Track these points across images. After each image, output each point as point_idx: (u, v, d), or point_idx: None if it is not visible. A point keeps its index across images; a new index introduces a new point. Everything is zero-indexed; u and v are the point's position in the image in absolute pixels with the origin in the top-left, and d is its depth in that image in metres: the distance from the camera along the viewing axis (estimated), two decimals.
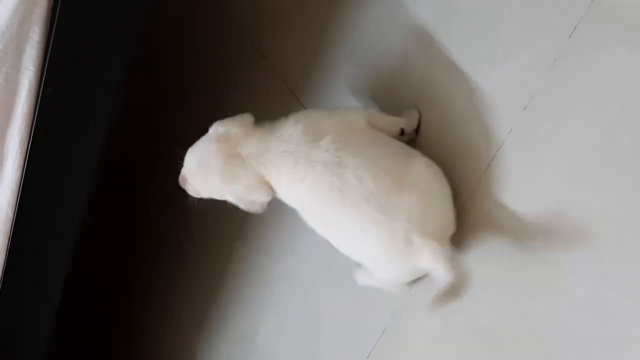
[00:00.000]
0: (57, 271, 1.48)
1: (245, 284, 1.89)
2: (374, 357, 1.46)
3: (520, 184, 1.18)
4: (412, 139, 1.33)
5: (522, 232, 1.16)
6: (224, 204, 1.33)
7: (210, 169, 1.26)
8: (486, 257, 1.22)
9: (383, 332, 1.44)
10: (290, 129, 1.25)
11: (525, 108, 1.17)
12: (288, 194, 1.27)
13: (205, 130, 1.29)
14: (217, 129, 1.29)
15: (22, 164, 1.28)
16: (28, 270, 1.44)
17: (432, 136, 1.31)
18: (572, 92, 1.12)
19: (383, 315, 1.44)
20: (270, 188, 1.26)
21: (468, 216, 1.23)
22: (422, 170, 1.20)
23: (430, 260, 1.14)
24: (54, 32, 1.20)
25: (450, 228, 1.20)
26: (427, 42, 1.36)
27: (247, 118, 1.30)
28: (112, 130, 1.30)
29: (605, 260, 1.06)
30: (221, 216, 1.16)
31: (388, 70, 1.46)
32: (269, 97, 1.82)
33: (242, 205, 1.30)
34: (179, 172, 1.32)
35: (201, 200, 1.31)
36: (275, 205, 1.30)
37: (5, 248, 1.36)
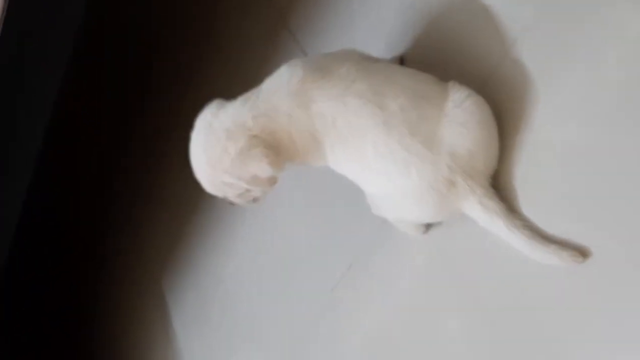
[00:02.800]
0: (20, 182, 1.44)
1: (215, 216, 1.87)
2: (338, 292, 1.45)
3: (505, 118, 1.13)
4: None
5: (500, 173, 1.12)
6: None
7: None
8: None
9: (350, 266, 1.42)
10: (287, 73, 1.10)
11: (516, 41, 1.13)
12: (313, 146, 1.10)
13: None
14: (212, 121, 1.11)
15: None
16: None
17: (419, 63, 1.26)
18: (565, 26, 1.07)
19: (352, 249, 1.42)
20: (275, 157, 1.09)
21: None
22: (462, 101, 1.08)
23: (475, 210, 1.06)
24: None
25: (493, 165, 1.10)
26: None
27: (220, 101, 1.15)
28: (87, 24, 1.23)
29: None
30: None
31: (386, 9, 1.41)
32: (262, 35, 1.77)
33: (239, 196, 1.15)
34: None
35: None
36: None
37: None
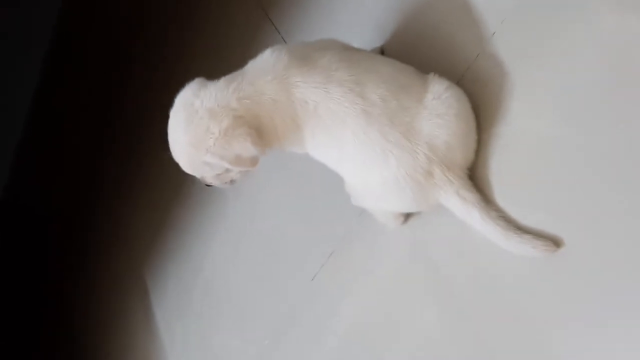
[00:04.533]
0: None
1: (197, 207, 1.88)
2: (319, 280, 1.46)
3: (482, 110, 1.14)
4: None
5: (477, 165, 1.13)
6: None
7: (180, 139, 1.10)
8: None
9: (330, 255, 1.43)
10: (272, 58, 1.10)
11: (494, 34, 1.14)
12: (294, 132, 1.10)
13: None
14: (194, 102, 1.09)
15: None
16: None
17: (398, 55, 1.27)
18: (542, 21, 1.09)
19: (332, 239, 1.43)
20: (258, 138, 1.08)
21: None
22: (441, 93, 1.09)
23: (452, 201, 1.07)
24: None
25: (471, 157, 1.12)
26: None
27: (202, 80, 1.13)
28: None
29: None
30: None
31: None
32: (242, 22, 1.76)
33: (218, 176, 1.15)
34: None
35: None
36: None
37: None
